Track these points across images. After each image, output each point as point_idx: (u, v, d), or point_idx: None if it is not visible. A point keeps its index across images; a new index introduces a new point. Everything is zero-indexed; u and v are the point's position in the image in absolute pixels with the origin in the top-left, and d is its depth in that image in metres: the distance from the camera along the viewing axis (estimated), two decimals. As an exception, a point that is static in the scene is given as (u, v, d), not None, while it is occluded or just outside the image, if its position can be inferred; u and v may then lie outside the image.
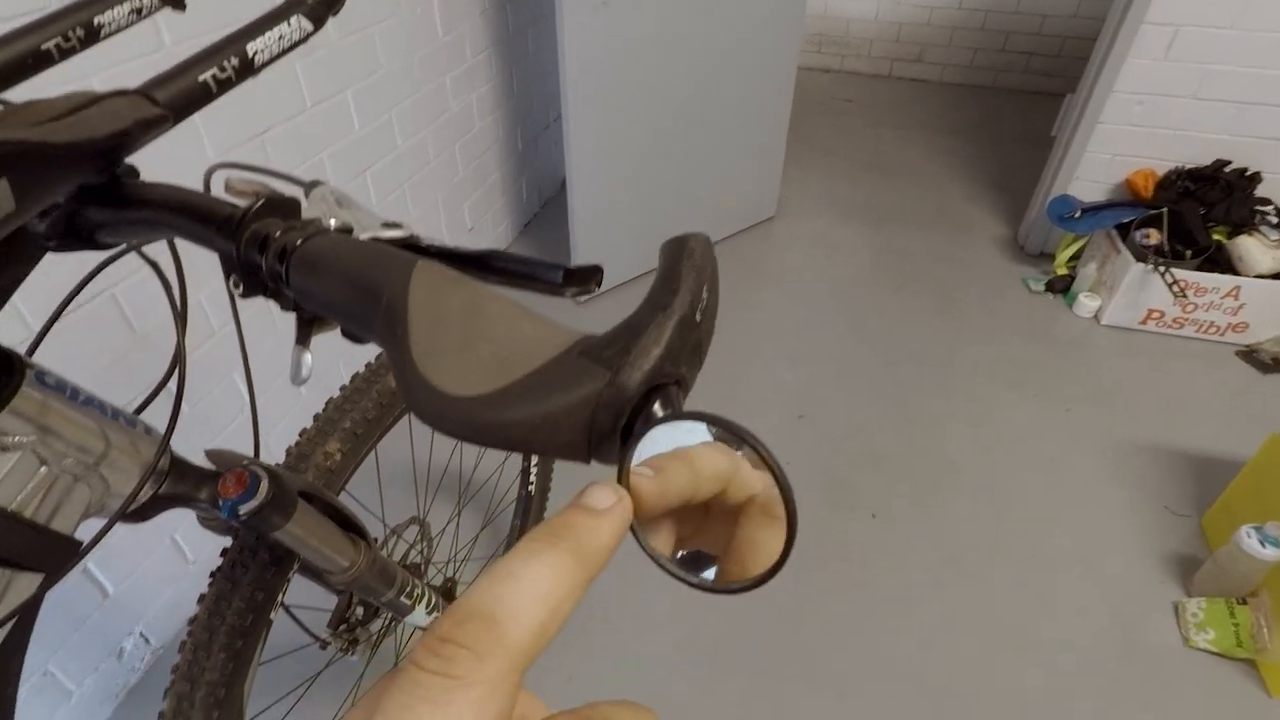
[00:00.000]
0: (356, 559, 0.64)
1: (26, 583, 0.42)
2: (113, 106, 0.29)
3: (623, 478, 0.21)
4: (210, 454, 0.59)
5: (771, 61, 2.11)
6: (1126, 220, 1.98)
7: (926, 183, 2.75)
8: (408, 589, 0.75)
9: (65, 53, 0.46)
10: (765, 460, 0.20)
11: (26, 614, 0.44)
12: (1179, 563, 1.39)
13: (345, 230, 0.31)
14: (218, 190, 0.43)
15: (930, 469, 1.60)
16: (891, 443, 1.66)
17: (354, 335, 0.30)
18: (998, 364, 1.90)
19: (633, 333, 0.23)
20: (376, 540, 0.69)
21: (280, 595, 0.65)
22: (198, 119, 1.10)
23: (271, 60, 0.41)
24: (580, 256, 1.98)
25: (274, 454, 1.43)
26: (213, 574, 0.63)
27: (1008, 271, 2.26)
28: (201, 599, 0.62)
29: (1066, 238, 2.17)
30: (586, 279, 0.34)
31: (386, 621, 0.90)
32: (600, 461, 0.23)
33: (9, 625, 0.42)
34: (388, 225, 0.33)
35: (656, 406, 0.22)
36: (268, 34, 0.41)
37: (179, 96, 0.35)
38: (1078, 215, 2.03)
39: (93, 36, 0.47)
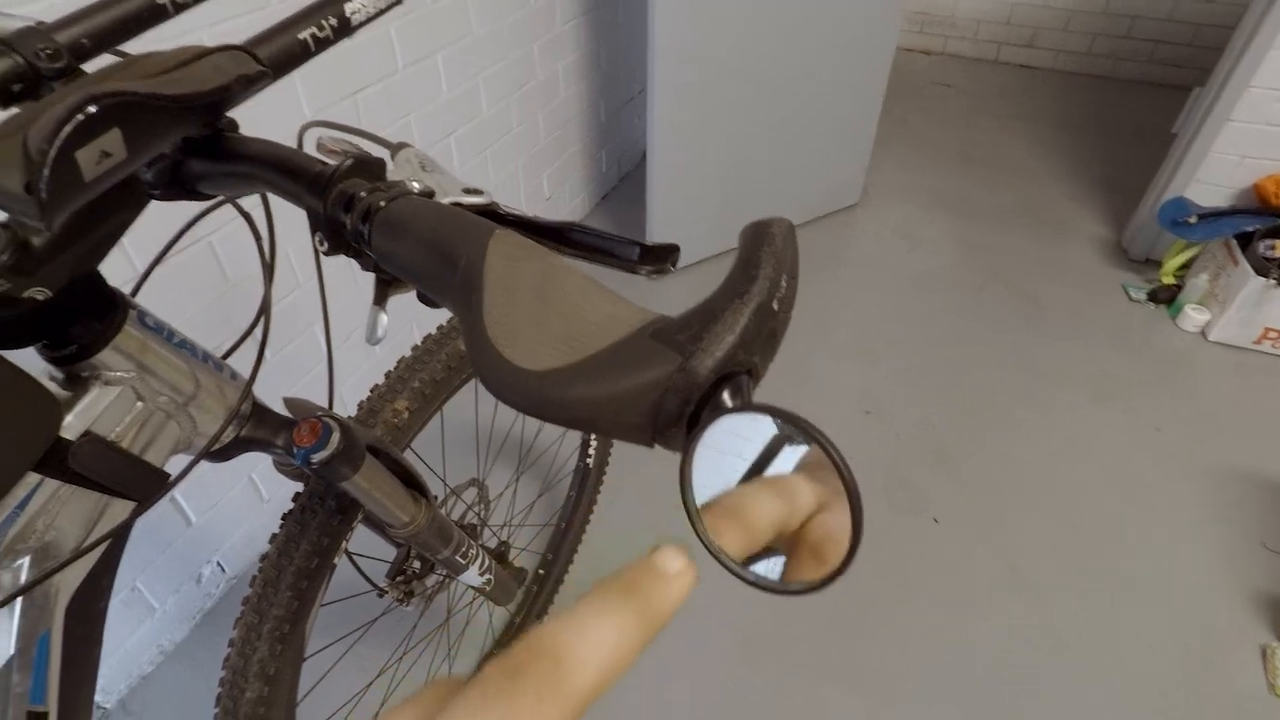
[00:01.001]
0: (417, 515, 0.66)
1: (120, 508, 0.45)
2: (217, 61, 0.29)
3: (692, 512, 0.21)
4: (288, 401, 0.62)
5: (868, 41, 2.02)
6: (1249, 230, 1.81)
7: (1025, 177, 2.60)
8: (463, 549, 0.77)
9: (180, 7, 0.47)
10: (835, 464, 0.19)
11: (118, 537, 0.47)
12: (1271, 605, 1.29)
13: (427, 194, 0.31)
14: (310, 148, 0.44)
15: (1001, 477, 1.53)
16: (961, 447, 1.59)
17: (429, 299, 0.30)
18: (1085, 373, 1.79)
19: (708, 317, 0.22)
20: (436, 499, 0.71)
21: (344, 542, 0.68)
22: (295, 76, 1.14)
23: (368, 20, 0.41)
24: (657, 232, 1.96)
25: (347, 406, 1.49)
26: (284, 516, 0.66)
27: (1106, 276, 2.12)
28: (273, 539, 0.65)
29: (1177, 244, 2.01)
30: (663, 257, 0.33)
31: (441, 577, 0.93)
32: (664, 447, 0.23)
33: (104, 546, 0.45)
34: (469, 191, 0.33)
35: (726, 395, 0.21)
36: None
37: (279, 54, 0.36)
38: (1193, 221, 1.87)
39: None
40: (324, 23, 0.42)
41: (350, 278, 1.38)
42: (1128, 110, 3.07)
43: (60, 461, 0.41)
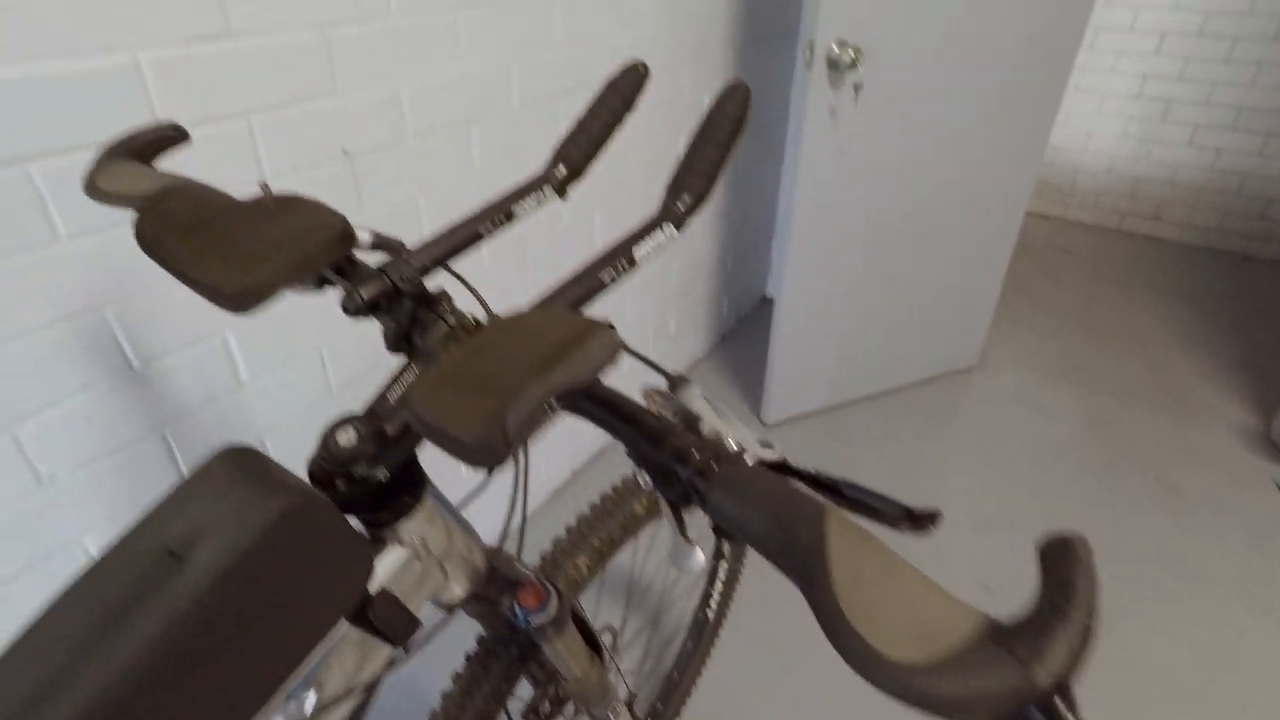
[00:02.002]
0: (591, 672, 0.70)
1: (381, 652, 0.52)
2: (597, 343, 0.37)
3: None
4: (488, 551, 0.69)
5: (998, 207, 2.10)
6: None
7: (1152, 352, 2.53)
8: (616, 704, 0.79)
9: (489, 233, 0.59)
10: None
11: (376, 680, 0.53)
12: None
13: (754, 458, 0.38)
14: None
15: (1134, 683, 1.41)
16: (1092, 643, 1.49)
17: (770, 560, 0.35)
18: (1233, 576, 1.66)
19: (1040, 633, 0.27)
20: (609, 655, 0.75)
21: (515, 687, 0.72)
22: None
23: (651, 257, 0.50)
24: (778, 376, 2.02)
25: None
26: (468, 657, 0.71)
27: (1252, 468, 2.00)
28: (456, 678, 0.71)
29: (1335, 444, 1.88)
30: (925, 521, 0.38)
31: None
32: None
33: (378, 684, 0.51)
34: (764, 445, 0.40)
35: (1061, 707, 0.25)
36: (647, 241, 0.52)
37: (585, 295, 0.46)
38: (1354, 423, 1.76)
39: (509, 218, 0.60)
40: (618, 265, 0.52)
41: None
42: (1264, 290, 2.97)
43: (360, 610, 0.48)
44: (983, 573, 1.65)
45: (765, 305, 2.73)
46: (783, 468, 0.39)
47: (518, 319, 0.40)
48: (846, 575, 0.29)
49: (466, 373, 0.35)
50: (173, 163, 0.76)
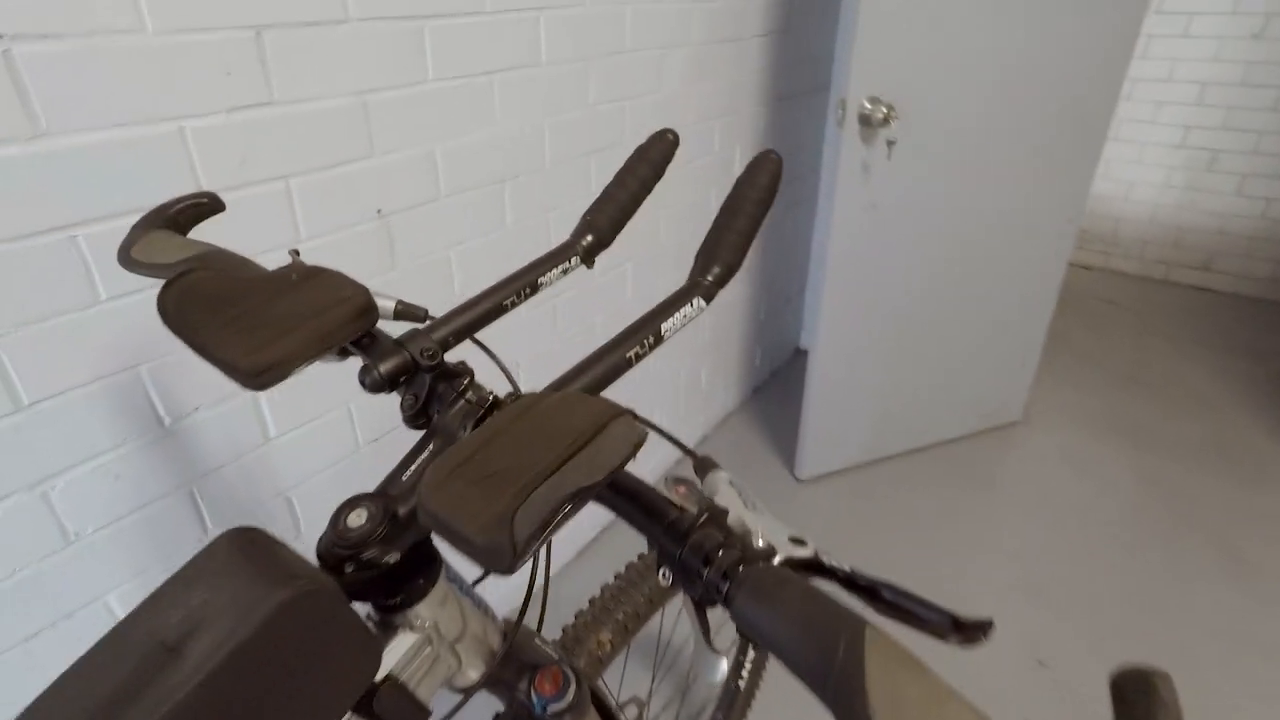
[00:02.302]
0: (611, 760, 0.66)
1: (389, 745, 0.49)
2: (617, 432, 0.35)
3: None
4: (505, 627, 0.66)
5: (1038, 259, 2.05)
6: None
7: (1209, 408, 2.42)
8: (639, 794, 0.75)
9: (514, 305, 0.58)
10: None
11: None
12: None
13: (785, 558, 0.35)
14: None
15: (1216, 779, 1.29)
16: (1161, 729, 1.38)
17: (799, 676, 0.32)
18: (1314, 657, 1.53)
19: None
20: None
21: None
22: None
23: (677, 330, 0.49)
24: (812, 430, 1.97)
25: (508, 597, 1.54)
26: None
27: (1327, 537, 1.87)
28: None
29: None
30: (975, 633, 0.35)
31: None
32: None
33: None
34: (795, 541, 0.37)
35: None
36: (674, 316, 0.50)
37: (609, 375, 0.44)
38: None
39: (534, 290, 0.59)
40: (644, 342, 0.50)
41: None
42: (1328, 344, 2.83)
43: (365, 700, 0.46)
44: (1035, 645, 1.55)
45: (799, 357, 2.69)
46: (816, 566, 0.36)
47: (537, 401, 0.38)
48: (886, 704, 0.26)
49: (480, 462, 0.34)
50: (211, 223, 0.77)
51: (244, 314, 0.46)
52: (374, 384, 0.48)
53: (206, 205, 0.62)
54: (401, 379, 0.49)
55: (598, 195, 0.67)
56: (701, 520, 0.35)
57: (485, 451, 0.34)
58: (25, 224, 0.72)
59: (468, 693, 0.52)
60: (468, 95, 1.14)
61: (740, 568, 0.33)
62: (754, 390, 2.48)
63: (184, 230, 0.61)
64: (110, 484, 0.83)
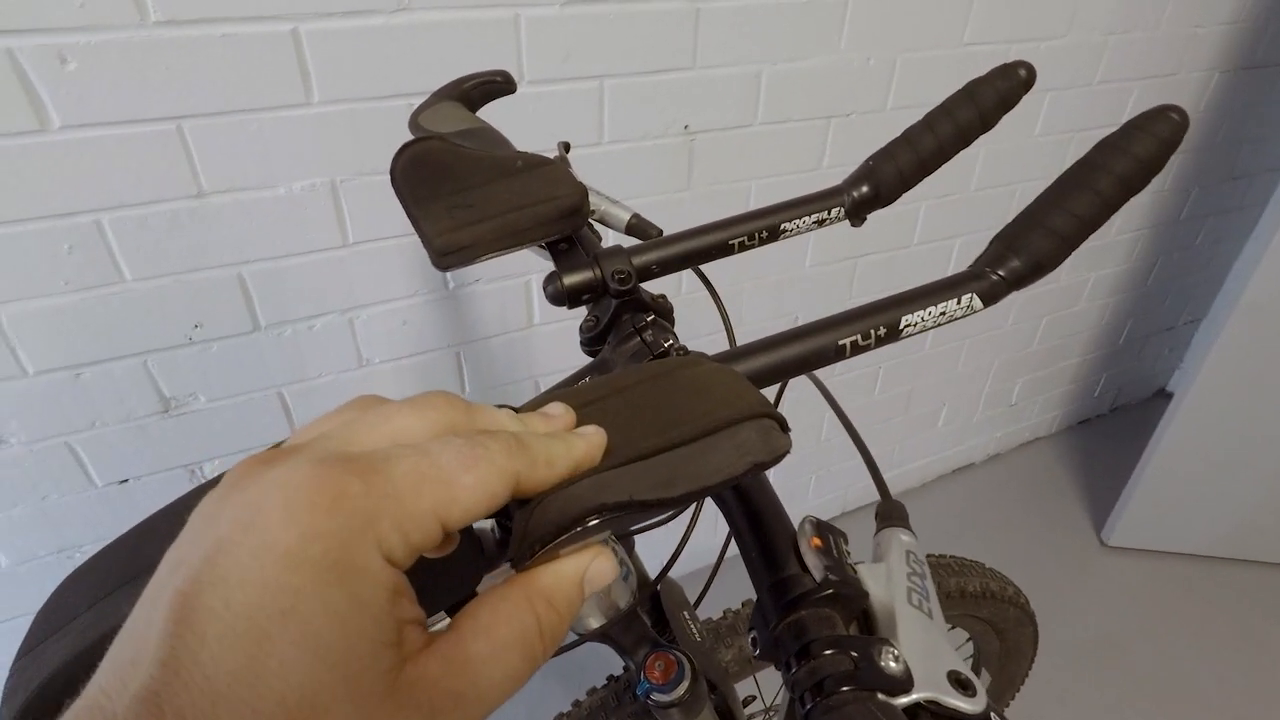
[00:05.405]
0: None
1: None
2: (745, 436, 0.26)
3: None
4: (644, 588, 0.61)
5: None
6: None
7: None
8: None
9: (744, 247, 0.49)
10: None
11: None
12: None
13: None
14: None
15: None
16: None
17: None
18: None
19: None
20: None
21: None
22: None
23: (920, 332, 0.35)
24: (1144, 491, 1.55)
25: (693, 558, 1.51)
26: (590, 691, 0.65)
27: None
28: (576, 704, 0.65)
29: None
30: None
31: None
32: None
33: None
34: (956, 682, 0.24)
35: None
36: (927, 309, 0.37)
37: (772, 370, 0.33)
38: None
39: (774, 235, 0.49)
40: (873, 333, 0.38)
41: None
42: None
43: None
44: None
45: (1159, 400, 2.11)
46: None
47: (691, 365, 0.30)
48: None
49: (585, 414, 0.27)
50: (516, 113, 0.80)
51: (457, 191, 0.45)
52: (555, 295, 0.44)
53: (499, 84, 0.63)
54: (586, 297, 0.44)
55: (894, 137, 0.53)
56: (821, 594, 0.25)
57: (600, 405, 0.28)
58: (383, 89, 0.82)
59: (578, 641, 0.49)
60: (814, 13, 1.02)
61: (843, 688, 0.22)
62: (1081, 422, 2.02)
63: (474, 106, 0.62)
64: (399, 326, 0.96)
